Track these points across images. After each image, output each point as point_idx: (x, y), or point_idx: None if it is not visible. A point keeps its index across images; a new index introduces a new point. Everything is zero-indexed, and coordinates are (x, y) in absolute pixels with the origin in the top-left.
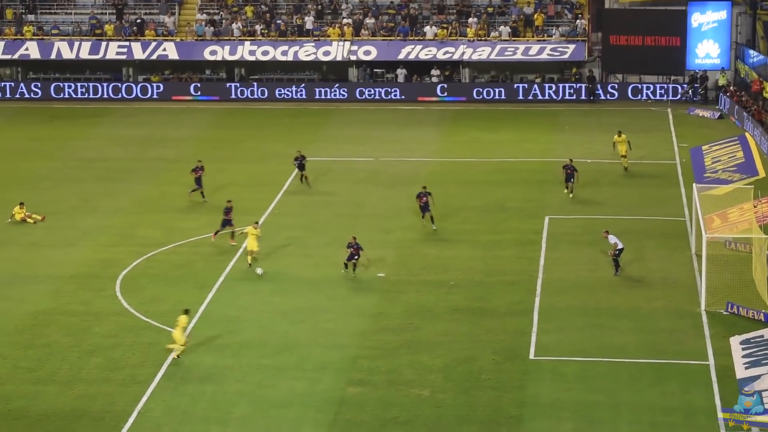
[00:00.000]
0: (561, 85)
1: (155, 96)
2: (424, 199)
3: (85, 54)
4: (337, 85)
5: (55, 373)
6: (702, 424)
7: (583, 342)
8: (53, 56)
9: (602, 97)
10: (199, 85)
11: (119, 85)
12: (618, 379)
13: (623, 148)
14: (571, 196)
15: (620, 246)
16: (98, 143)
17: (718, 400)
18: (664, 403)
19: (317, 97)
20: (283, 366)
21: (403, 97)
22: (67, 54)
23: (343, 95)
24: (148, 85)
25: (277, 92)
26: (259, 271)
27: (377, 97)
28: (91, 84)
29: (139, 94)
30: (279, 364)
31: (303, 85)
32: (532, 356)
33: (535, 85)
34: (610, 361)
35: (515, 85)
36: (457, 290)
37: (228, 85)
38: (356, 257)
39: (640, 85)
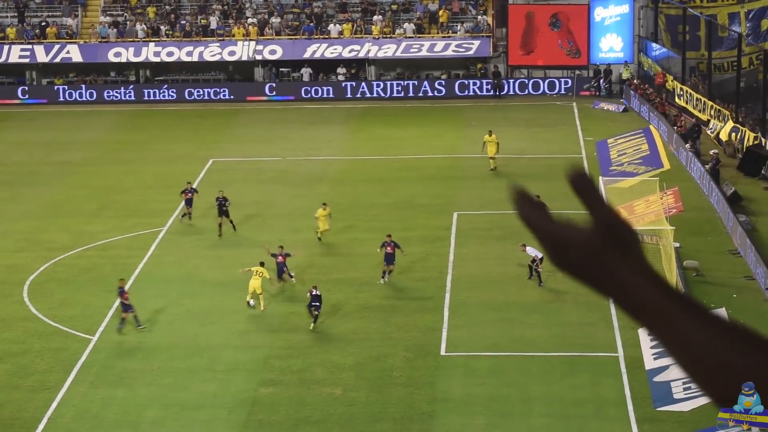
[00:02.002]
0: (466, 81)
1: None
2: (389, 248)
3: None
4: (165, 86)
5: None
6: (612, 416)
7: (493, 337)
8: None
9: (508, 92)
10: (26, 88)
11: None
12: (529, 373)
13: (492, 149)
14: None
15: (540, 256)
16: (2, 147)
17: (628, 391)
18: (575, 395)
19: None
20: (194, 368)
21: (231, 96)
22: None
23: (172, 96)
24: None
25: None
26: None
27: (206, 97)
28: None
29: None
30: (190, 366)
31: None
32: (443, 352)
33: (388, 82)
34: (521, 355)
35: (343, 84)
36: (368, 288)
37: (56, 87)
38: (317, 305)
39: (544, 80)
